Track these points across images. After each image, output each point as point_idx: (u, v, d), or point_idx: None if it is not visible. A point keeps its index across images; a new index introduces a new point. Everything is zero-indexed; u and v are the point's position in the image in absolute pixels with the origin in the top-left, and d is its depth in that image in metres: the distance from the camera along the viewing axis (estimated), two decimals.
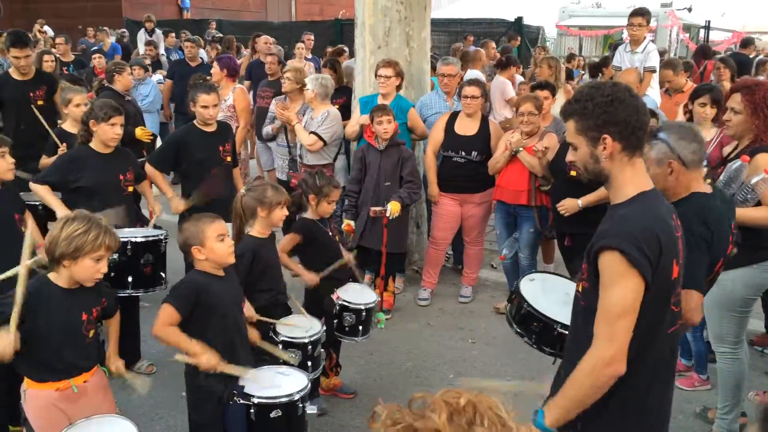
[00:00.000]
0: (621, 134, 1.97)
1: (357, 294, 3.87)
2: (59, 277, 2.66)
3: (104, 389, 2.84)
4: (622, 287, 1.90)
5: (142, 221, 4.30)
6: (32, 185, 4.03)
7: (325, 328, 3.51)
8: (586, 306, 2.04)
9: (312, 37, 11.15)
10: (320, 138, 5.44)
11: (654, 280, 1.91)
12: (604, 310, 1.93)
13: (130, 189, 4.17)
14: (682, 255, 2.05)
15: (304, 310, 3.57)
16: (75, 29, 15.13)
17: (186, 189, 4.72)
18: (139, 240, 3.77)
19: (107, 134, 4.01)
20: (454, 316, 5.25)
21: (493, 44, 10.33)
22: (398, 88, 5.42)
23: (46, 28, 14.89)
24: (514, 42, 12.38)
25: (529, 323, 2.99)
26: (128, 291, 3.76)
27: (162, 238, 3.85)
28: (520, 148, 4.81)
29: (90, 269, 2.63)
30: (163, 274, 3.87)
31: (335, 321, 3.78)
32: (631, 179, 2.01)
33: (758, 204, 3.28)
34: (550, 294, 3.13)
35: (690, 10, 19.67)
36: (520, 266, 5.16)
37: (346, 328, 3.80)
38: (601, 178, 2.06)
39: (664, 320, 2.03)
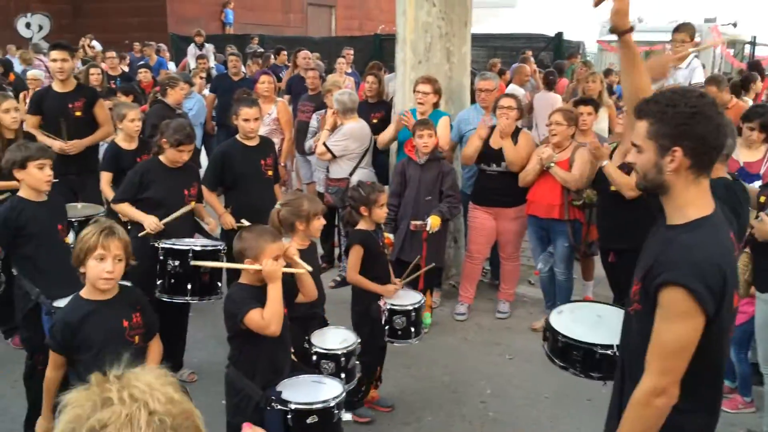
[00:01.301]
0: (694, 151, 1.84)
1: (402, 297, 3.97)
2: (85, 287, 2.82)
3: None
4: (683, 325, 1.83)
5: (200, 232, 4.41)
6: (114, 207, 4.29)
7: (359, 340, 3.56)
8: (639, 329, 1.98)
9: (352, 52, 11.29)
10: (329, 150, 5.52)
11: (717, 314, 1.84)
12: (661, 345, 1.86)
13: (192, 203, 4.30)
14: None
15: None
16: (121, 44, 15.57)
17: (229, 202, 4.80)
18: (198, 249, 3.91)
19: (175, 157, 4.20)
20: (491, 331, 5.23)
21: (532, 59, 10.31)
22: (436, 105, 5.46)
23: (94, 42, 15.38)
24: (573, 59, 12.23)
25: (569, 354, 2.97)
26: (186, 298, 3.90)
27: (221, 248, 3.97)
28: (552, 164, 4.79)
29: (94, 269, 2.72)
30: (219, 284, 4.00)
31: (387, 327, 3.84)
32: (694, 200, 1.90)
33: None
34: (582, 321, 3.13)
35: (735, 25, 19.31)
36: (556, 281, 5.12)
37: (399, 332, 3.88)
38: (659, 191, 1.94)
39: (724, 350, 2.02)
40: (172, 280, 3.86)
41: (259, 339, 2.87)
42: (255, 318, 2.81)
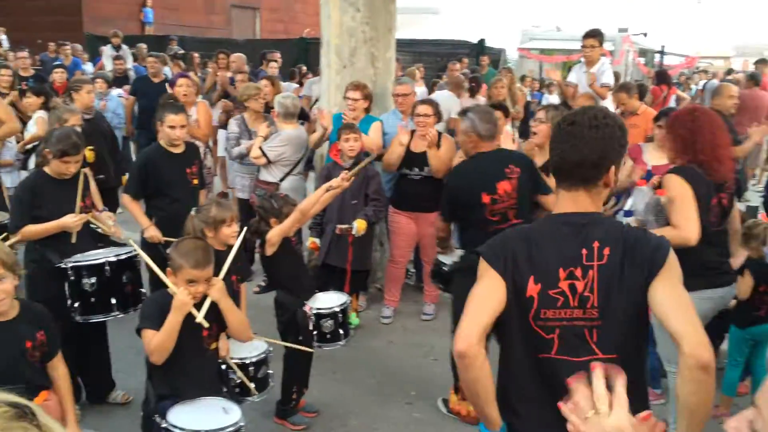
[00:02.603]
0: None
1: (327, 300, 3.98)
2: None
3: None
4: (479, 284, 1.97)
5: (104, 240, 4.18)
6: (18, 236, 3.77)
7: (271, 348, 3.54)
8: None
9: (278, 55, 11.18)
10: (264, 155, 5.49)
11: (514, 289, 1.92)
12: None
13: (90, 214, 3.99)
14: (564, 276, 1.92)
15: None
16: (34, 44, 14.87)
17: (152, 212, 4.61)
18: (114, 259, 3.66)
19: (60, 169, 3.75)
20: (416, 333, 5.29)
21: (457, 65, 10.51)
22: (367, 110, 5.48)
23: (2, 37, 14.61)
24: (483, 65, 12.55)
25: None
26: (111, 314, 3.65)
27: (135, 253, 3.79)
28: None
29: None
30: (142, 290, 3.82)
31: (315, 332, 3.82)
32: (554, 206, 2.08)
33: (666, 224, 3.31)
34: None
35: (645, 35, 20.30)
36: None
37: (328, 335, 3.89)
38: None
39: (526, 340, 1.95)
40: (92, 299, 3.59)
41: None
42: (146, 339, 2.76)
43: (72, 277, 3.59)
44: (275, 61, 10.07)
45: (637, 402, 1.78)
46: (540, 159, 4.38)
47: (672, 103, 9.49)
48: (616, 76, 8.23)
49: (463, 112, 4.06)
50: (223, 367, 3.31)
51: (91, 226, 4.00)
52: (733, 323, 4.22)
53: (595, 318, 1.89)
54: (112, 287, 3.64)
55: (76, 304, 3.60)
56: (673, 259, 1.91)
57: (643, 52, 18.74)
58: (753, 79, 9.54)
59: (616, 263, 1.89)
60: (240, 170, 6.22)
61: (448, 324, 5.37)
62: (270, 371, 3.57)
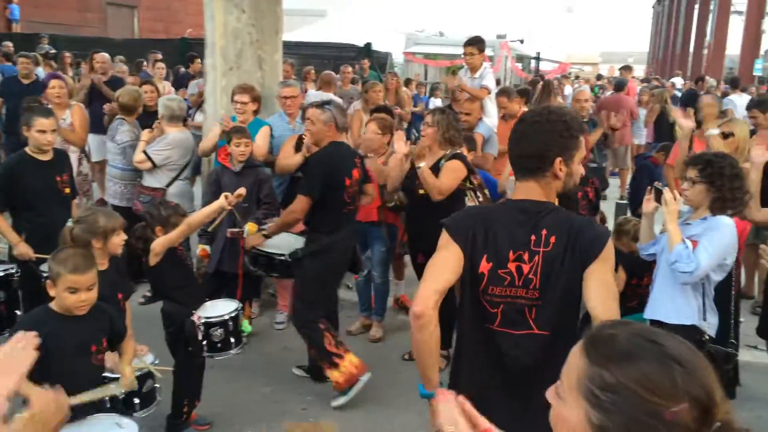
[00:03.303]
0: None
1: (217, 308, 3.88)
2: None
3: None
4: (439, 251, 2.16)
5: None
6: None
7: (157, 361, 3.43)
8: None
9: (160, 56, 10.79)
10: (149, 158, 5.30)
11: (471, 260, 2.12)
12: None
13: None
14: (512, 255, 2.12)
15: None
16: None
17: (20, 226, 4.26)
18: None
19: None
20: None
21: (349, 69, 10.59)
22: (256, 112, 5.39)
23: None
24: (364, 68, 12.72)
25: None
26: None
27: (12, 271, 3.51)
28: (369, 156, 4.92)
29: None
30: (17, 311, 3.56)
31: (205, 342, 3.71)
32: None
33: None
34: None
35: (522, 41, 21.34)
36: (373, 285, 5.29)
37: (218, 345, 3.77)
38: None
39: (475, 311, 2.17)
40: None
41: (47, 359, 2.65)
42: None
43: None
44: (161, 61, 9.71)
45: None
46: (431, 160, 4.50)
47: None
48: (497, 81, 8.65)
49: (323, 104, 4.26)
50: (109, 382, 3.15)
51: None
52: None
53: (535, 298, 2.10)
54: None
55: None
56: (609, 249, 2.10)
57: (520, 58, 19.70)
58: (617, 86, 10.29)
59: (559, 251, 2.08)
60: (115, 176, 5.91)
61: (342, 326, 5.41)
62: (157, 385, 3.42)
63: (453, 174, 4.38)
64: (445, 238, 2.15)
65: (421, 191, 4.45)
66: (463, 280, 2.14)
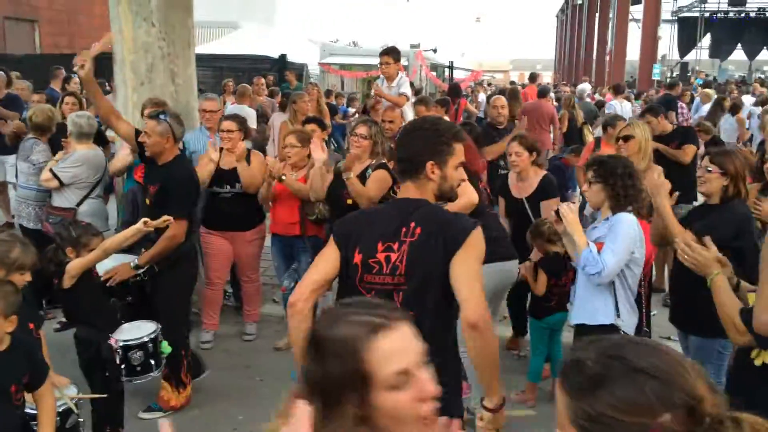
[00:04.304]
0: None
1: (134, 330, 3.75)
2: None
3: None
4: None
5: None
6: None
7: (79, 393, 3.29)
8: None
9: (63, 71, 10.35)
10: (56, 177, 5.10)
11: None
12: None
13: None
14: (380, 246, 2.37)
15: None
16: None
17: None
18: None
19: None
20: (239, 355, 5.17)
21: (263, 80, 10.49)
22: None
23: None
24: (291, 78, 12.56)
25: None
26: None
27: None
28: (283, 176, 4.88)
29: None
30: None
31: (123, 366, 3.57)
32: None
33: None
34: None
35: (435, 51, 21.76)
36: None
37: (138, 368, 3.65)
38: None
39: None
40: None
41: None
42: None
43: None
44: (74, 76, 9.30)
45: (450, 360, 2.38)
46: (356, 169, 4.51)
47: (464, 116, 10.28)
48: (418, 89, 8.79)
49: (157, 115, 4.16)
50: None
51: None
52: (530, 316, 4.66)
53: (401, 283, 2.33)
54: None
55: None
56: (474, 239, 2.31)
57: (434, 67, 20.07)
58: (540, 92, 10.71)
59: (423, 239, 2.32)
60: (28, 198, 5.62)
61: (271, 342, 5.35)
62: (80, 419, 3.26)
63: (380, 183, 4.42)
64: (329, 239, 2.46)
65: (349, 201, 4.45)
66: (341, 274, 2.41)
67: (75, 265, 3.51)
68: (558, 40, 57.15)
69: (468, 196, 3.77)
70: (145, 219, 3.75)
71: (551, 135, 9.45)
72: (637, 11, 35.80)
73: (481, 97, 15.34)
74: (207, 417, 4.29)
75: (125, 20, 5.46)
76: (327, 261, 2.42)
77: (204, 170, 4.98)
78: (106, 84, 9.16)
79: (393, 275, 2.33)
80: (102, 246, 3.60)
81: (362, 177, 4.50)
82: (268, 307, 5.94)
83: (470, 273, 2.28)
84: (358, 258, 2.36)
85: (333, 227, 2.51)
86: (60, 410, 3.04)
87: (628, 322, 3.48)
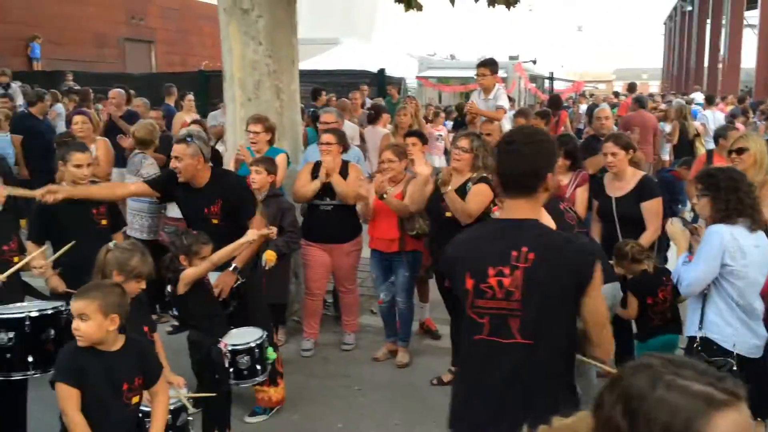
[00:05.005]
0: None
1: (241, 336, 3.89)
2: None
3: None
4: None
5: (31, 293, 3.90)
6: None
7: (188, 393, 3.43)
8: None
9: (176, 89, 10.99)
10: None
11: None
12: None
13: (16, 259, 3.73)
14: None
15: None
16: None
17: (57, 259, 4.26)
18: (36, 314, 3.38)
19: None
20: (338, 364, 5.25)
21: (357, 94, 10.69)
22: (270, 142, 5.44)
23: None
24: (391, 90, 12.79)
25: None
26: (27, 372, 3.37)
27: (62, 308, 3.46)
28: (385, 194, 4.88)
29: None
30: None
31: (231, 369, 3.73)
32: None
33: None
34: None
35: (535, 62, 21.42)
36: (398, 310, 5.27)
37: (245, 372, 3.78)
38: None
39: (466, 324, 2.33)
40: (8, 355, 3.32)
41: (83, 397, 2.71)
42: (60, 393, 2.67)
43: None
44: (191, 94, 9.88)
45: (562, 390, 2.29)
46: (456, 182, 4.51)
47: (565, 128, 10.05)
48: (510, 100, 8.66)
49: (184, 138, 4.22)
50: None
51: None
52: (636, 340, 4.46)
53: (517, 309, 2.23)
54: (31, 344, 3.37)
55: None
56: (598, 272, 2.25)
57: (533, 79, 19.74)
58: (638, 102, 10.27)
59: (539, 267, 2.21)
60: (141, 210, 5.96)
61: (368, 352, 5.41)
62: (190, 417, 3.42)
63: (481, 197, 4.38)
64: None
65: (448, 214, 4.44)
66: (456, 298, 2.39)
67: (188, 274, 3.72)
68: (666, 49, 54.87)
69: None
70: (253, 230, 3.92)
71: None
72: (752, 17, 33.76)
73: (582, 108, 14.94)
74: (307, 423, 4.39)
75: (234, 39, 5.73)
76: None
77: (309, 188, 5.11)
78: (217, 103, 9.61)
79: (507, 300, 2.24)
80: (211, 258, 3.80)
81: (462, 190, 4.49)
82: (366, 318, 6.01)
83: (599, 316, 2.27)
84: (469, 283, 2.29)
85: (440, 259, 2.47)
86: (172, 407, 3.20)
87: (725, 336, 3.35)
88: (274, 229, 4.08)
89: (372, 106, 8.92)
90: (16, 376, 3.42)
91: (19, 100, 11.41)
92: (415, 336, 5.57)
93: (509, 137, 2.44)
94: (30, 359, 3.37)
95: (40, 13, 19.28)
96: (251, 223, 4.19)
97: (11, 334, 3.34)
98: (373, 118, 8.22)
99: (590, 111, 10.21)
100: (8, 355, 3.35)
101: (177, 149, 4.18)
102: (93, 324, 2.69)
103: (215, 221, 4.23)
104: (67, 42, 20.05)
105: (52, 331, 3.42)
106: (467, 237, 2.45)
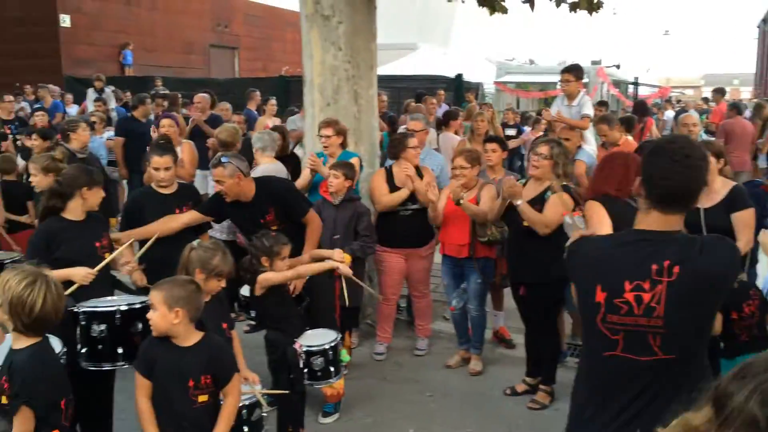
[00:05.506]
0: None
1: (317, 337, 3.95)
2: None
3: None
4: None
5: (119, 287, 4.09)
6: None
7: (263, 390, 3.50)
8: None
9: (259, 94, 11.29)
10: None
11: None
12: None
13: (107, 256, 3.92)
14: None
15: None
16: (11, 87, 14.80)
17: (143, 255, 4.39)
18: (125, 308, 3.57)
19: (93, 199, 3.86)
20: (410, 369, 5.25)
21: (433, 99, 10.66)
22: (343, 145, 5.50)
23: None
24: (469, 96, 12.73)
25: None
26: (117, 364, 3.55)
27: (149, 303, 3.69)
28: (461, 200, 4.85)
29: None
30: None
31: (306, 370, 3.79)
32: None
33: None
34: None
35: (618, 66, 20.79)
36: (470, 317, 5.21)
37: (319, 373, 3.85)
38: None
39: (595, 338, 2.22)
40: (99, 346, 3.51)
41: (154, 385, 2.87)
42: (135, 382, 2.84)
43: (83, 322, 3.52)
44: (271, 98, 10.15)
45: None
46: (535, 190, 4.42)
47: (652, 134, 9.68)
48: (606, 105, 8.34)
49: (218, 161, 4.32)
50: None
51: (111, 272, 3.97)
52: (723, 357, 4.23)
53: (659, 326, 2.11)
54: (120, 337, 3.54)
55: (84, 350, 3.54)
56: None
57: (617, 83, 19.14)
58: (735, 108, 9.78)
59: (685, 282, 2.08)
60: None
61: (441, 358, 5.38)
62: (264, 414, 3.50)
63: (560, 208, 4.28)
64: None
65: (526, 223, 4.36)
66: (580, 310, 2.30)
67: (268, 278, 3.81)
68: (760, 52, 52.10)
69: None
70: (341, 263, 4.13)
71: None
72: None
73: (668, 114, 14.37)
74: (379, 426, 4.40)
75: (315, 45, 5.83)
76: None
77: (395, 198, 5.17)
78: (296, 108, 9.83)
79: (648, 317, 2.11)
80: (297, 270, 3.92)
81: (540, 199, 4.39)
82: (438, 324, 5.98)
83: None
84: (600, 296, 2.17)
85: (568, 259, 2.33)
86: (247, 403, 3.28)
87: None
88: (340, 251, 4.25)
89: (444, 113, 8.86)
90: (106, 367, 3.59)
91: (112, 104, 12.04)
92: (488, 344, 5.49)
93: (684, 150, 2.17)
94: (119, 351, 3.54)
95: (133, 21, 20.31)
96: (308, 220, 4.42)
97: (103, 327, 3.51)
98: (442, 124, 8.18)
99: (678, 118, 9.82)
100: (100, 347, 3.53)
101: (216, 173, 4.33)
102: (158, 314, 2.83)
103: (274, 227, 4.33)
104: (157, 49, 21.01)
105: (140, 325, 3.56)
106: (598, 246, 2.31)
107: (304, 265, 4.03)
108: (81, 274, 3.63)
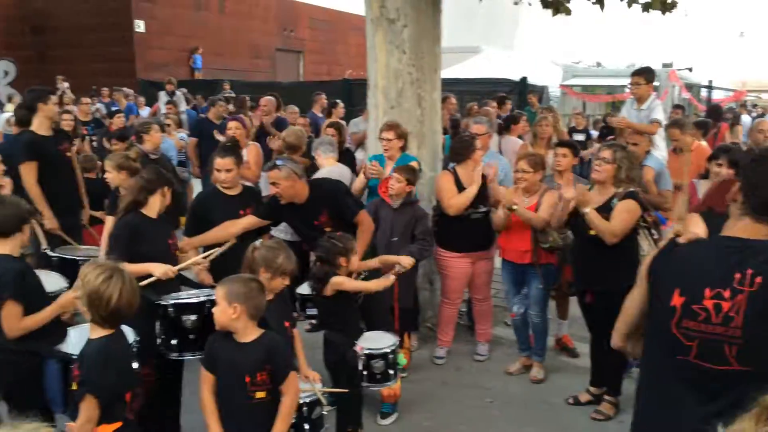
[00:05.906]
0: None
1: (376, 340, 3.97)
2: None
3: None
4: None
5: (185, 283, 4.19)
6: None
7: (323, 388, 3.54)
8: None
9: (324, 97, 11.41)
10: None
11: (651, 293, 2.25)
12: None
13: (177, 252, 4.08)
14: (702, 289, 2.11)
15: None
16: (88, 90, 15.48)
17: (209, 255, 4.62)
18: (213, 298, 3.71)
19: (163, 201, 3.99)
20: (470, 374, 5.21)
21: (494, 103, 10.56)
22: (403, 148, 5.49)
23: (65, 85, 15.31)
24: (531, 99, 12.60)
25: None
26: (199, 353, 3.60)
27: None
28: (514, 206, 4.78)
29: None
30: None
31: (365, 372, 3.83)
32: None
33: None
34: None
35: (691, 69, 20.08)
36: (531, 323, 5.13)
37: (378, 376, 3.86)
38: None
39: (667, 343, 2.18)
40: (191, 336, 3.60)
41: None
42: (202, 377, 2.98)
43: (172, 315, 3.62)
44: (339, 102, 10.29)
45: None
46: (601, 198, 4.33)
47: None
48: (682, 109, 8.02)
49: (273, 165, 4.40)
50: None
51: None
52: None
53: (737, 336, 2.05)
54: (206, 327, 3.53)
55: (174, 342, 3.63)
56: None
57: (689, 87, 18.48)
58: None
59: (764, 292, 2.02)
60: None
61: (501, 364, 5.31)
62: (324, 412, 3.53)
63: (627, 216, 4.16)
64: (641, 274, 2.30)
65: (592, 231, 4.25)
66: (649, 313, 2.26)
67: (341, 284, 3.87)
68: None
69: None
70: (407, 259, 4.30)
71: None
72: None
73: (744, 119, 13.79)
74: (437, 429, 4.39)
75: (380, 48, 5.86)
76: (638, 301, 2.33)
77: (463, 198, 5.09)
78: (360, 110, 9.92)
79: (726, 326, 2.07)
80: (367, 284, 4.07)
81: (607, 207, 4.28)
82: (499, 330, 5.91)
83: None
84: (677, 300, 2.14)
85: (651, 261, 2.29)
86: (308, 401, 3.32)
87: None
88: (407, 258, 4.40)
89: (506, 117, 8.75)
90: (192, 356, 3.65)
91: (182, 107, 12.43)
92: (551, 352, 5.40)
93: None
94: (173, 342, 3.64)
95: (203, 26, 20.93)
96: (359, 221, 4.49)
97: (194, 317, 3.60)
98: (503, 128, 8.08)
99: (753, 123, 9.40)
100: (191, 336, 3.60)
101: (272, 176, 4.38)
102: (219, 309, 2.91)
103: (328, 229, 4.36)
104: (225, 53, 21.57)
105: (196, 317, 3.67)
106: (682, 250, 2.24)
107: (374, 281, 4.12)
108: (162, 269, 3.73)
